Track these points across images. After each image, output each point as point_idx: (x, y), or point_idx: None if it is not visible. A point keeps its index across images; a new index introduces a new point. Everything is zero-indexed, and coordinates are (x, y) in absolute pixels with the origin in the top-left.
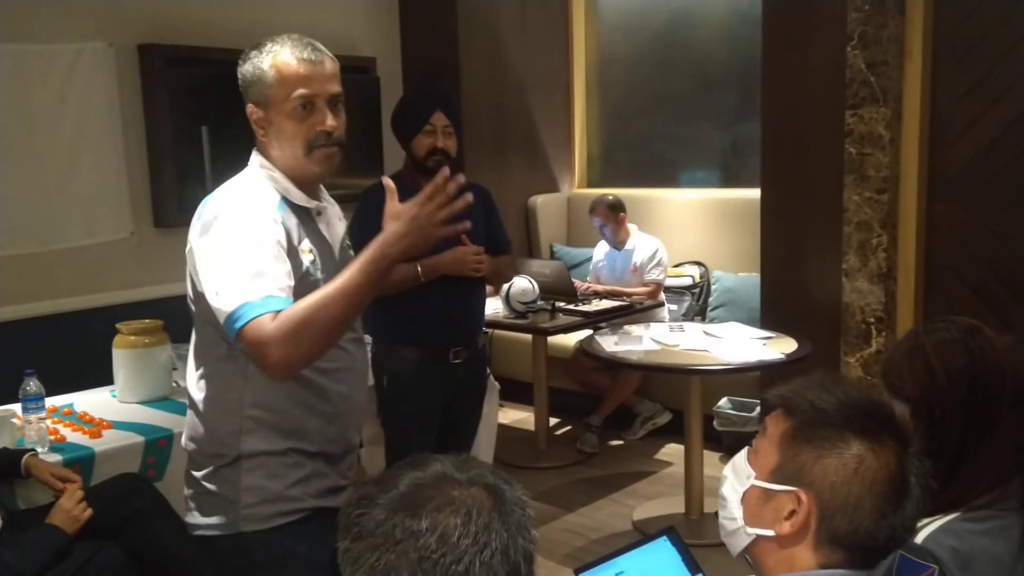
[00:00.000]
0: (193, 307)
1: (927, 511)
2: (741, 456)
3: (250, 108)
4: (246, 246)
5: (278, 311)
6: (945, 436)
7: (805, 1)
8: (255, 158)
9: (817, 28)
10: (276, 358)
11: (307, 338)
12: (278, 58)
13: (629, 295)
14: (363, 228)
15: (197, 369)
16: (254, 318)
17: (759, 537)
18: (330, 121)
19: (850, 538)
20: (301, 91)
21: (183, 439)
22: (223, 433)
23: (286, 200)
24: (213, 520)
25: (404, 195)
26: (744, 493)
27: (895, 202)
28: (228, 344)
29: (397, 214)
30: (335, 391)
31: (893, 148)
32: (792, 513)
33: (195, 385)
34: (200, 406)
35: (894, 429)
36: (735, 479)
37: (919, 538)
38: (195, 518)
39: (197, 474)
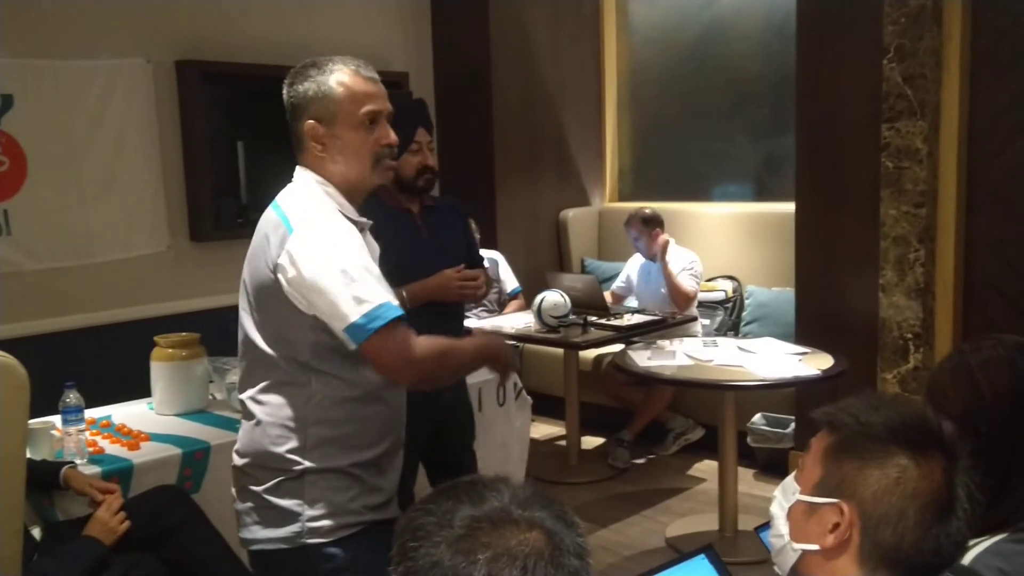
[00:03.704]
0: (254, 324)
1: (975, 531)
2: (790, 476)
3: (310, 124)
4: (351, 254)
5: (399, 317)
6: (991, 455)
7: (840, 14)
8: (308, 174)
9: (852, 41)
10: (413, 375)
11: (438, 369)
12: (344, 76)
13: (670, 282)
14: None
15: (258, 385)
16: (385, 324)
17: (805, 553)
18: (393, 136)
19: (895, 552)
20: (369, 107)
21: (237, 454)
22: (287, 449)
23: (343, 215)
24: (276, 533)
25: (383, 214)
26: (789, 509)
27: (933, 216)
28: (297, 363)
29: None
30: (388, 403)
31: (931, 162)
32: (835, 526)
33: (257, 401)
34: (263, 422)
35: (940, 443)
36: (783, 497)
37: (966, 559)
38: (254, 532)
39: (257, 488)
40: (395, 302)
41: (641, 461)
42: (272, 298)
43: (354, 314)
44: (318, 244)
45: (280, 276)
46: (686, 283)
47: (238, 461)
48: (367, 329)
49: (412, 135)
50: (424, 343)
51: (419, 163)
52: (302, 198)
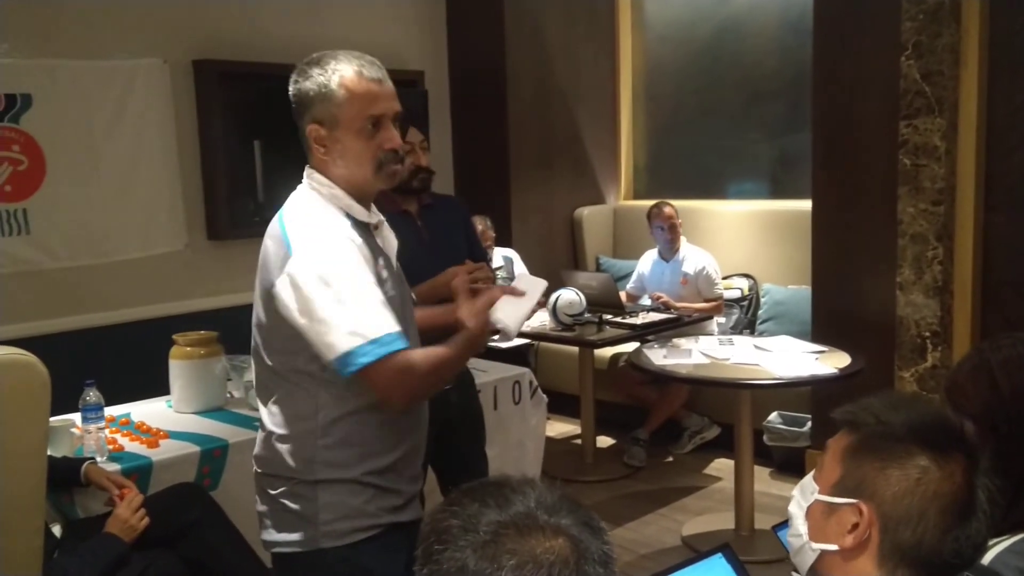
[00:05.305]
0: (260, 336)
1: (994, 532)
2: (809, 475)
3: (312, 127)
4: (349, 280)
5: (398, 350)
6: (1010, 454)
7: (858, 11)
8: (314, 177)
9: (870, 38)
10: (402, 403)
11: (437, 383)
12: (346, 77)
13: (696, 310)
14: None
15: (268, 396)
16: (380, 358)
17: (824, 553)
18: (397, 139)
19: (914, 552)
20: (372, 111)
21: (254, 460)
22: (298, 459)
23: (350, 218)
24: (292, 537)
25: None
26: (808, 508)
27: (951, 214)
28: (306, 374)
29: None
30: (404, 414)
31: (949, 159)
32: (855, 526)
33: (267, 411)
34: (274, 432)
35: (962, 444)
36: (801, 496)
37: (985, 559)
38: (272, 535)
39: (273, 492)
40: (394, 328)
41: (657, 460)
42: (276, 314)
43: (344, 345)
44: (313, 270)
45: (280, 296)
46: (712, 296)
47: (256, 468)
48: (355, 364)
49: (404, 135)
50: (420, 367)
51: (412, 163)
52: (304, 210)
